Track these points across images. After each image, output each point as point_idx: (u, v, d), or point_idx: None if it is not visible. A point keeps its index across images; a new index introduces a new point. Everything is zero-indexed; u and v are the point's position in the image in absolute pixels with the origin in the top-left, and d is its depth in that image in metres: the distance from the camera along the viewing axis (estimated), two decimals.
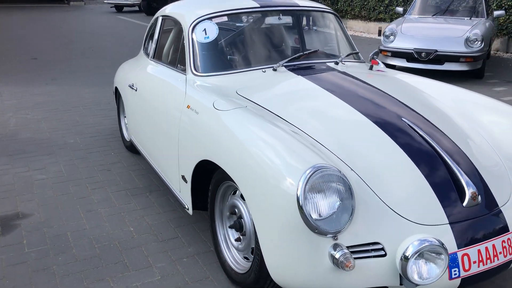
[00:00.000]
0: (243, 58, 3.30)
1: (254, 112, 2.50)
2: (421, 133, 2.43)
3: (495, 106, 2.92)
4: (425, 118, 2.60)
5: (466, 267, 2.06)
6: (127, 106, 4.12)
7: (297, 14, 3.56)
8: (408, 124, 2.48)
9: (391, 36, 8.35)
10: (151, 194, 3.73)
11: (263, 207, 2.11)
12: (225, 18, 3.34)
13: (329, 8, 3.77)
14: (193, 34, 3.25)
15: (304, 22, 3.68)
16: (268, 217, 2.09)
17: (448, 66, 7.88)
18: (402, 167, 2.26)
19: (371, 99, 2.76)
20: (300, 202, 1.92)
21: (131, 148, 4.51)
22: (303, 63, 3.29)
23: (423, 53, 7.81)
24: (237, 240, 2.59)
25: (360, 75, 3.17)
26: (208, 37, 3.25)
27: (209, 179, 2.78)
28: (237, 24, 3.44)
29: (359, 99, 2.74)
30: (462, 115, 2.79)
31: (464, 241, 2.10)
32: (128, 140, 4.61)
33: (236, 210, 2.55)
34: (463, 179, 2.22)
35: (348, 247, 1.96)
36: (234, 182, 2.38)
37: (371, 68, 3.48)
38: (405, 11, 9.71)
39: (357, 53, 3.62)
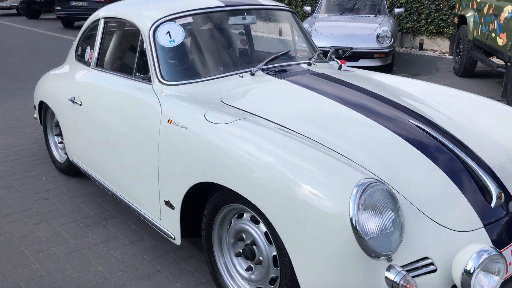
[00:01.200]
0: (214, 63, 2.97)
1: (261, 125, 2.22)
2: (435, 135, 2.34)
3: (479, 100, 2.93)
4: (428, 120, 2.52)
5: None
6: (66, 123, 3.55)
7: (261, 13, 3.30)
8: (420, 127, 2.38)
9: None
10: (108, 222, 3.25)
11: (299, 234, 1.84)
12: (190, 19, 2.98)
13: (289, 7, 3.58)
14: (155, 37, 2.85)
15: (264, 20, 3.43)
16: (308, 245, 1.82)
17: (362, 62, 8.13)
18: (429, 174, 2.14)
19: (367, 101, 2.62)
20: (354, 223, 1.70)
21: (67, 170, 3.93)
22: (278, 65, 3.05)
23: (340, 51, 7.96)
24: (248, 269, 2.28)
25: (339, 76, 3.02)
26: (173, 41, 2.87)
27: (201, 202, 2.44)
28: (201, 27, 3.10)
29: (358, 103, 2.58)
30: (457, 114, 2.75)
31: (499, 242, 2.04)
32: (62, 162, 4.01)
33: (244, 235, 2.25)
34: (488, 180, 2.17)
35: (402, 267, 1.78)
36: (247, 206, 2.09)
37: (340, 68, 3.35)
38: (313, 10, 9.88)
39: (321, 52, 3.47)
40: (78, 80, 3.41)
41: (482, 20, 7.32)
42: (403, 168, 2.14)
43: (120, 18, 3.18)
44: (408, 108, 2.62)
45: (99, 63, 3.37)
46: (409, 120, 2.44)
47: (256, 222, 2.19)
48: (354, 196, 1.72)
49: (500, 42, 6.52)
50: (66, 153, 3.97)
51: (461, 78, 8.15)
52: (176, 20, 2.93)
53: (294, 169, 1.89)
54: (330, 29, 8.53)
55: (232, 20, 3.19)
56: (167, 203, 2.51)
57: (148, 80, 2.84)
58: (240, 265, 2.35)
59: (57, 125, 4.03)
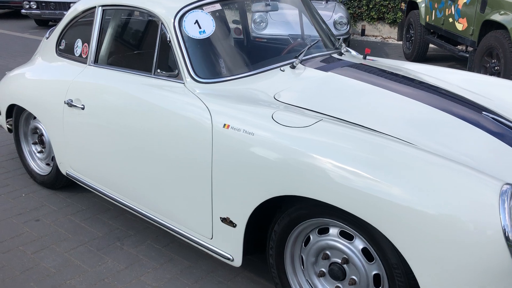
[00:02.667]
0: (250, 56, 2.63)
1: (347, 126, 1.95)
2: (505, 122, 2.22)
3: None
4: (496, 112, 2.39)
5: None
6: (57, 130, 3.03)
7: None
8: (498, 121, 2.25)
9: (262, 23, 8.14)
10: (123, 243, 2.82)
11: (429, 250, 1.61)
12: (218, 6, 2.61)
13: None
14: (182, 28, 2.46)
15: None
16: (441, 262, 1.60)
17: None
18: None
19: (432, 96, 2.44)
20: (507, 234, 1.51)
21: (52, 183, 3.40)
22: (312, 56, 2.78)
23: (299, 39, 7.79)
24: None
25: (378, 67, 2.82)
26: (204, 32, 2.49)
27: (267, 216, 2.14)
28: (228, 15, 2.73)
29: (420, 95, 2.39)
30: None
31: None
32: (44, 174, 3.46)
33: (329, 252, 1.99)
34: None
35: None
36: (337, 220, 1.84)
37: (364, 57, 3.14)
38: None
39: (339, 39, 3.24)
40: (74, 79, 2.90)
41: (436, 6, 7.46)
42: (502, 165, 1.98)
43: (129, 6, 2.72)
44: (474, 101, 2.47)
45: (100, 59, 2.89)
46: (484, 113, 2.30)
47: (349, 238, 1.93)
48: (502, 205, 1.53)
49: (460, 27, 6.67)
50: (49, 164, 3.43)
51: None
52: (203, 8, 2.55)
53: (416, 177, 1.65)
54: (285, 16, 8.32)
55: (255, 7, 2.86)
56: (225, 221, 2.17)
57: (175, 77, 2.45)
58: (324, 286, 2.07)
59: (35, 132, 3.47)
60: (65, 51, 3.19)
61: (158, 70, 2.55)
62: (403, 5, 9.20)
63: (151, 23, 2.65)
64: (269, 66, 2.55)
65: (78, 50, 3.04)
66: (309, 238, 2.07)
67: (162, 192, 2.44)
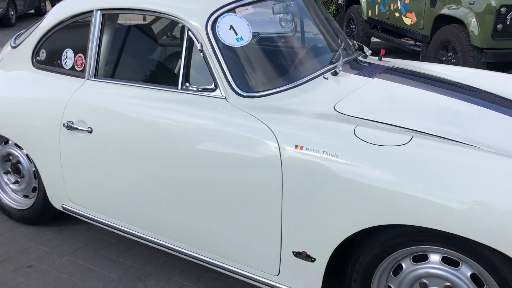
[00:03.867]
0: (291, 64, 2.36)
1: (444, 142, 1.77)
2: None
3: None
4: None
5: None
6: (53, 157, 2.53)
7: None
8: None
9: (291, 23, 7.79)
10: (146, 284, 2.43)
11: None
12: (251, 9, 2.30)
13: None
14: (216, 35, 2.14)
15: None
16: None
17: None
18: None
19: (477, 94, 2.34)
20: None
21: (35, 218, 2.89)
22: (347, 60, 2.57)
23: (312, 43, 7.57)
24: None
25: (414, 69, 2.68)
26: (241, 39, 2.18)
27: (346, 247, 1.91)
28: (259, 18, 2.43)
29: (476, 97, 2.28)
30: None
31: None
32: (22, 208, 2.93)
33: (427, 281, 1.81)
34: None
35: None
36: (443, 246, 1.68)
37: (380, 58, 3.00)
38: None
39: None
40: (71, 97, 2.44)
41: (379, 0, 7.58)
42: None
43: (141, 10, 2.33)
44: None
45: (102, 72, 2.46)
46: None
47: (453, 264, 1.76)
48: None
49: (409, 21, 6.81)
50: (27, 196, 2.92)
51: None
52: (236, 11, 2.24)
53: None
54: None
55: (277, 8, 2.59)
56: (300, 255, 1.91)
57: (212, 91, 2.13)
58: None
59: (7, 159, 2.92)
60: (47, 63, 2.69)
61: (187, 84, 2.20)
62: (340, 0, 9.28)
63: (173, 29, 2.28)
64: (312, 74, 2.30)
65: (68, 62, 2.57)
66: (399, 266, 1.87)
67: (207, 225, 2.11)
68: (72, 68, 2.55)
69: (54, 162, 2.53)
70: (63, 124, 2.41)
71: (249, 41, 2.19)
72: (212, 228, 2.10)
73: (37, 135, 2.56)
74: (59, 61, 2.63)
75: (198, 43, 2.14)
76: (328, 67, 2.38)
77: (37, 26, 2.74)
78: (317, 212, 1.82)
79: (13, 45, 2.93)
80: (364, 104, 2.13)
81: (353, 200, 1.74)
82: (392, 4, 7.20)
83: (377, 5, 7.67)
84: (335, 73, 2.35)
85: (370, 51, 2.76)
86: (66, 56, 2.58)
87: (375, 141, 1.76)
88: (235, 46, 2.17)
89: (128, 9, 2.38)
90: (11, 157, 2.91)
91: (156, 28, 2.36)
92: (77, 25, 2.59)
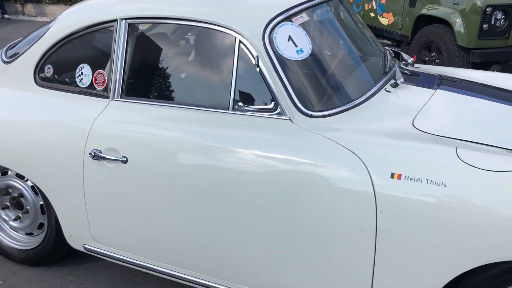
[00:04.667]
0: (350, 76, 2.13)
1: None
2: None
3: None
4: None
5: None
6: (73, 191, 2.17)
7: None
8: None
9: None
10: None
11: None
12: (305, 17, 2.05)
13: None
14: (274, 47, 1.89)
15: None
16: None
17: None
18: None
19: None
20: None
21: (42, 259, 2.51)
22: (400, 70, 2.38)
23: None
24: None
25: (458, 77, 2.53)
26: (301, 51, 1.94)
27: None
28: (313, 26, 2.18)
29: None
30: None
31: None
32: (25, 248, 2.53)
33: None
34: None
35: None
36: None
37: (412, 64, 2.83)
38: None
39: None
40: (96, 121, 2.09)
41: (351, 1, 7.51)
42: None
43: (178, 19, 2.01)
44: None
45: (132, 91, 2.12)
46: None
47: None
48: None
49: (385, 22, 6.78)
50: (31, 233, 2.53)
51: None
52: (293, 20, 1.99)
53: None
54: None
55: (318, 14, 2.36)
56: None
57: (272, 112, 1.87)
58: None
59: (7, 192, 2.51)
60: (55, 80, 2.32)
61: (240, 104, 1.92)
62: None
63: (218, 41, 1.99)
64: (374, 87, 2.08)
65: (85, 80, 2.22)
66: None
67: (275, 268, 1.85)
68: (91, 86, 2.20)
69: (74, 196, 2.17)
70: (89, 154, 2.06)
71: (309, 54, 1.95)
72: (282, 271, 1.84)
73: (51, 165, 2.19)
74: (71, 79, 2.27)
75: (254, 57, 1.88)
76: (384, 79, 2.17)
77: (40, 36, 2.35)
78: (420, 252, 1.61)
79: (5, 59, 2.52)
80: (442, 119, 1.94)
81: (464, 236, 1.55)
82: (366, 4, 7.14)
83: (350, 5, 7.59)
84: (395, 85, 2.16)
85: (412, 58, 2.58)
86: (81, 72, 2.23)
87: (484, 166, 1.57)
88: (295, 59, 1.92)
89: (159, 18, 2.06)
90: (10, 190, 2.50)
91: (199, 40, 2.06)
92: (94, 36, 2.24)
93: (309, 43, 1.96)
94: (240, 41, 1.91)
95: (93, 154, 2.04)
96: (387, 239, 1.64)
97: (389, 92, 2.10)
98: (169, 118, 2.00)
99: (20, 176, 2.44)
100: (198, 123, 1.95)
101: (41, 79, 2.35)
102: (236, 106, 1.93)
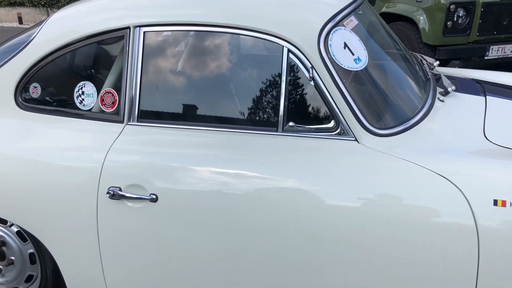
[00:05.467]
0: (404, 86, 1.89)
1: None
2: None
3: None
4: None
5: None
6: (90, 236, 1.75)
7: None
8: None
9: None
10: None
11: None
12: (355, 20, 1.79)
13: None
14: (331, 56, 1.61)
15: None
16: None
17: None
18: None
19: None
20: None
21: None
22: (436, 74, 2.19)
23: None
24: None
25: (493, 81, 2.38)
26: (359, 59, 1.68)
27: None
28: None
29: None
30: None
31: None
32: None
33: None
34: None
35: None
36: None
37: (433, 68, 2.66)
38: None
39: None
40: (111, 151, 1.70)
41: None
42: None
43: (209, 25, 1.68)
44: None
45: (152, 112, 1.76)
46: None
47: None
48: None
49: None
50: None
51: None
52: (344, 24, 1.72)
53: None
54: None
55: (359, 17, 2.10)
56: None
57: (332, 132, 1.60)
58: None
59: None
60: (44, 102, 1.90)
61: (291, 124, 1.63)
62: None
63: (261, 51, 1.69)
64: (429, 98, 1.87)
65: (87, 101, 1.82)
66: None
67: None
68: (97, 108, 1.81)
69: (84, 243, 1.76)
70: (107, 193, 1.67)
71: (366, 63, 1.69)
72: None
73: (49, 209, 1.76)
74: (68, 100, 1.86)
75: (307, 68, 1.59)
76: (431, 87, 1.97)
77: (22, 47, 1.91)
78: None
79: None
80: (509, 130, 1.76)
81: None
82: None
83: None
84: (444, 94, 1.95)
85: (437, 62, 2.40)
86: (82, 92, 1.83)
87: None
88: (354, 69, 1.65)
89: (185, 25, 1.71)
90: None
91: (232, 49, 1.72)
92: (97, 48, 1.85)
93: (364, 50, 1.71)
94: (289, 51, 1.62)
95: (111, 193, 1.66)
96: (490, 274, 1.42)
97: (443, 101, 1.90)
98: (203, 144, 1.66)
99: (1, 221, 1.99)
100: (241, 150, 1.63)
101: (25, 101, 1.92)
102: (287, 127, 1.64)
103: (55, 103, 1.89)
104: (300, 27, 1.63)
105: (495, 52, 5.44)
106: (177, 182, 1.62)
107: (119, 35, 1.76)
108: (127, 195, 1.65)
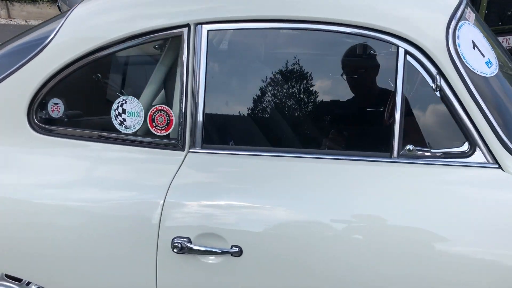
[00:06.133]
0: None
1: None
2: None
3: None
4: None
5: None
6: None
7: None
8: None
9: None
10: None
11: None
12: (472, 14, 1.43)
13: None
14: (460, 58, 1.25)
15: None
16: None
17: None
18: None
19: None
20: None
21: None
22: None
23: None
24: None
25: None
26: (490, 63, 1.32)
27: None
28: None
29: None
30: None
31: None
32: None
33: None
34: None
35: None
36: None
37: None
38: None
39: None
40: (171, 190, 1.28)
41: None
42: None
43: (298, 20, 1.28)
44: None
45: (222, 136, 1.35)
46: None
47: None
48: None
49: None
50: None
51: None
52: (467, 17, 1.36)
53: None
54: None
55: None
56: None
57: (466, 157, 1.25)
58: None
59: None
60: (68, 124, 1.45)
61: (410, 148, 1.26)
62: None
63: (366, 53, 1.30)
64: None
65: (130, 121, 1.38)
66: None
67: None
68: (144, 131, 1.38)
69: None
70: (172, 246, 1.25)
71: (498, 67, 1.33)
72: None
73: (88, 269, 1.33)
74: (103, 121, 1.42)
75: (433, 75, 1.22)
76: None
77: (36, 52, 1.44)
78: None
79: None
80: None
81: None
82: None
83: None
84: None
85: None
86: (122, 109, 1.39)
87: None
88: (488, 75, 1.29)
89: (263, 21, 1.30)
90: None
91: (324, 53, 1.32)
92: (140, 52, 1.41)
93: (492, 50, 1.35)
94: (407, 52, 1.24)
95: (178, 246, 1.24)
96: None
97: None
98: (295, 177, 1.27)
99: (13, 278, 1.53)
100: (343, 183, 1.25)
101: (42, 122, 1.46)
102: (404, 151, 1.27)
103: (83, 125, 1.45)
104: (421, 21, 1.25)
105: None
106: (268, 228, 1.23)
107: (173, 35, 1.33)
108: (200, 248, 1.24)
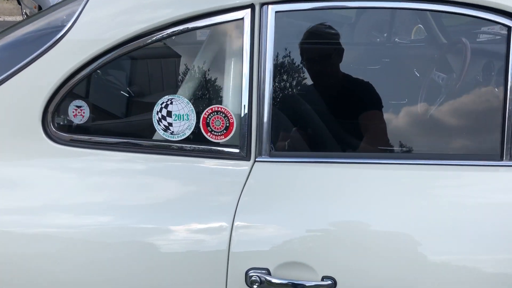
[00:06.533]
0: None
1: None
2: None
3: None
4: None
5: None
6: None
7: None
8: None
9: None
10: None
11: None
12: None
13: None
14: None
15: None
16: None
17: None
18: None
19: None
20: None
21: None
22: None
23: None
24: None
25: None
26: None
27: None
28: None
29: None
30: None
31: None
32: None
33: None
34: None
35: None
36: None
37: None
38: None
39: None
40: (240, 211, 1.03)
41: None
42: None
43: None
44: None
45: (296, 141, 1.11)
46: None
47: None
48: None
49: None
50: None
51: None
52: None
53: None
54: None
55: None
56: None
57: None
58: None
59: None
60: (94, 131, 1.18)
61: None
62: None
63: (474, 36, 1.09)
64: None
65: (177, 126, 1.12)
66: None
67: None
68: (197, 137, 1.12)
69: None
70: (248, 281, 1.01)
71: None
72: None
73: None
74: (141, 126, 1.15)
75: None
76: None
77: (51, 43, 1.15)
78: None
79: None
80: None
81: None
82: None
83: None
84: None
85: None
86: (167, 112, 1.13)
87: None
88: None
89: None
90: None
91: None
92: (189, 40, 1.15)
93: None
94: None
95: (256, 280, 1.00)
96: None
97: None
98: (386, 188, 1.04)
99: None
100: (442, 191, 1.04)
101: (61, 129, 1.18)
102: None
103: (114, 132, 1.17)
104: None
105: None
106: (368, 255, 1.00)
107: (232, 18, 1.08)
108: (282, 282, 1.00)
